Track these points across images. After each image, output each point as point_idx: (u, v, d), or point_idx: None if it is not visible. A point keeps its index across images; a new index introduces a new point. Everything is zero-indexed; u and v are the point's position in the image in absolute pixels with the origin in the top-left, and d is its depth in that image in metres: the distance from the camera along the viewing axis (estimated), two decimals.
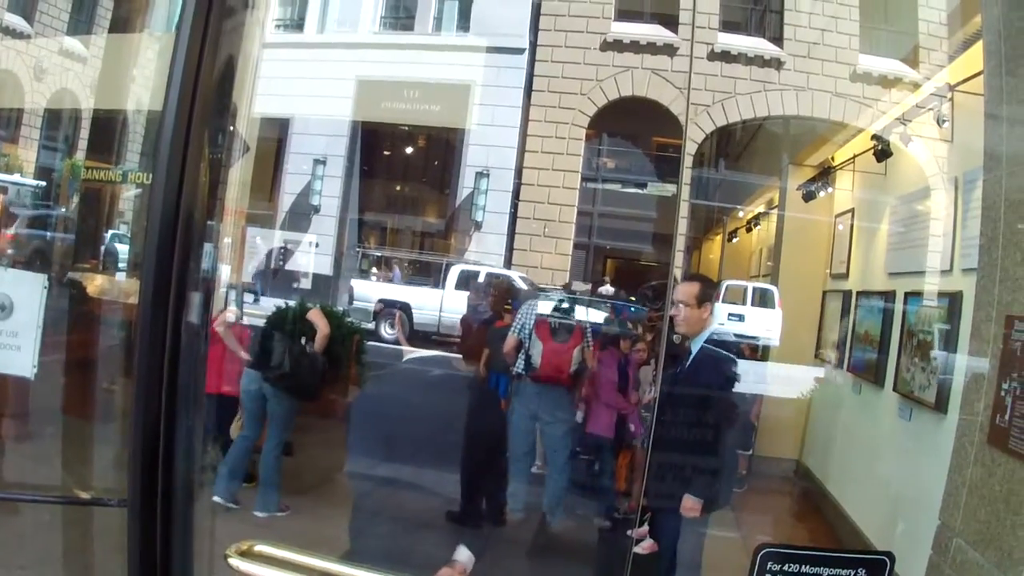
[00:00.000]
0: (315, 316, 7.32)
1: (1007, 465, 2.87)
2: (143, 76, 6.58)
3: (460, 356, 7.78)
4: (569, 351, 7.71)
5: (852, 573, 2.92)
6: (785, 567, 2.89)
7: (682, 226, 12.46)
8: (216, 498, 6.61)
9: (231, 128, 3.89)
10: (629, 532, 6.58)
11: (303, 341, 7.24)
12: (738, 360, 6.06)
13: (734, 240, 14.25)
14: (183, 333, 3.20)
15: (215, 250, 3.72)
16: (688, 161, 12.27)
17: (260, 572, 2.93)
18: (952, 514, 3.27)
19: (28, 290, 3.73)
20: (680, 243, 12.27)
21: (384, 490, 7.25)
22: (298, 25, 14.10)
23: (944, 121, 6.78)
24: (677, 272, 9.35)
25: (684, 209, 12.32)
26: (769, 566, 2.89)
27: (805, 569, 2.90)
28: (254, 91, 4.23)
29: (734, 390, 6.07)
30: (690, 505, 5.62)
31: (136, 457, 3.13)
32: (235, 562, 2.93)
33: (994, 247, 3.20)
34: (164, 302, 3.11)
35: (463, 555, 4.01)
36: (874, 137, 8.37)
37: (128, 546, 3.17)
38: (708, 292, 6.14)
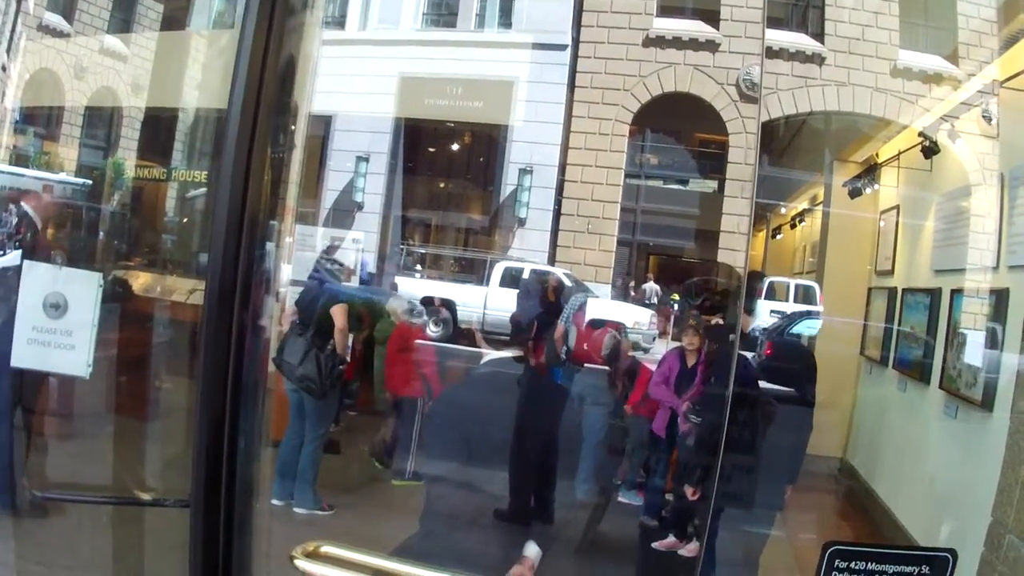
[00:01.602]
0: (335, 311, 7.32)
1: None
2: (199, 74, 6.64)
3: (514, 354, 7.77)
4: (601, 336, 8.00)
5: (916, 570, 2.95)
6: (852, 564, 2.93)
7: (728, 222, 12.49)
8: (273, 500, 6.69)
9: (292, 127, 3.92)
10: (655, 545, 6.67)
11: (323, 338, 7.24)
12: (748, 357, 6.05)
13: (778, 237, 14.21)
14: (248, 333, 3.25)
15: (277, 249, 3.76)
16: (739, 156, 12.30)
17: (328, 573, 2.94)
18: (1005, 511, 3.28)
19: (83, 288, 3.77)
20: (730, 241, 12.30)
21: (436, 489, 7.29)
22: (339, 22, 14.13)
23: (991, 118, 6.76)
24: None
25: (740, 207, 12.35)
26: (837, 563, 2.92)
27: (871, 566, 2.93)
28: (312, 91, 4.26)
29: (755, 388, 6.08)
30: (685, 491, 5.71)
31: (200, 458, 3.18)
32: (302, 564, 2.95)
33: None
34: (229, 302, 3.16)
35: (532, 551, 4.07)
36: (921, 134, 8.34)
37: (190, 547, 3.21)
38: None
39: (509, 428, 7.03)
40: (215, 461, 3.19)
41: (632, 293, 14.03)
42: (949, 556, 2.99)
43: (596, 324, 8.35)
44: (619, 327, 8.32)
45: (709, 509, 5.77)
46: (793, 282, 11.53)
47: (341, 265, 8.76)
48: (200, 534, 3.21)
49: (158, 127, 8.23)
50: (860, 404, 9.19)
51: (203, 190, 7.09)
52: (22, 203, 6.36)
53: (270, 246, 3.54)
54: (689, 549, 6.37)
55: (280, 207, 3.87)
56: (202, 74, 6.61)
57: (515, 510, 7.04)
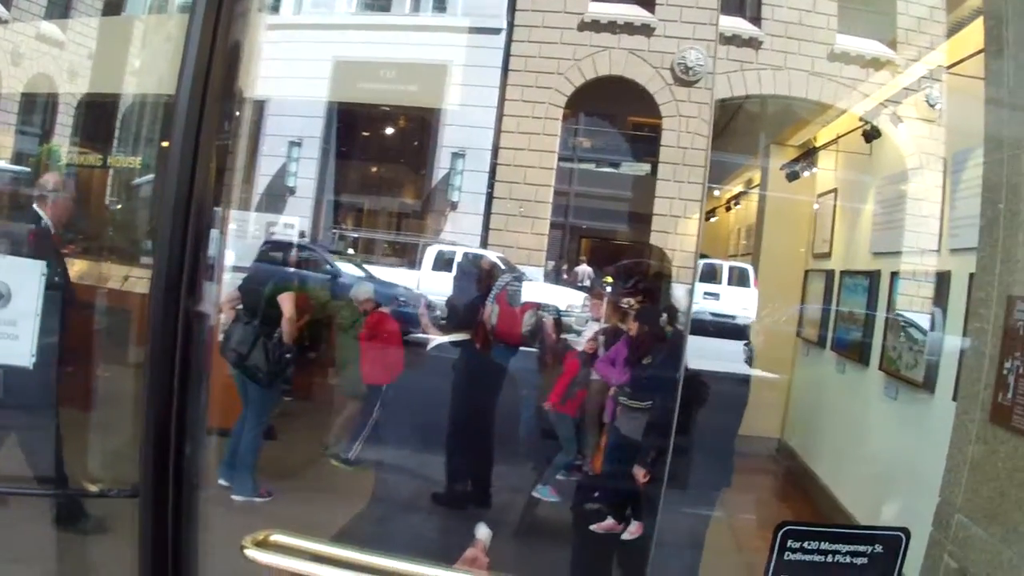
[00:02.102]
0: (283, 299, 7.19)
1: (1011, 442, 2.91)
2: (142, 60, 6.53)
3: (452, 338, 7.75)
4: (521, 314, 7.97)
5: (869, 549, 2.96)
6: (805, 544, 2.93)
7: (661, 205, 12.54)
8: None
9: (238, 113, 3.86)
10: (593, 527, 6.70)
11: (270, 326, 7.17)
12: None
13: (712, 219, 14.30)
14: (195, 320, 3.18)
15: (221, 236, 3.70)
16: (673, 139, 12.36)
17: (278, 562, 2.88)
18: (953, 491, 3.31)
19: (25, 277, 3.67)
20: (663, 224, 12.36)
21: (385, 474, 7.27)
22: (274, 6, 13.98)
23: (935, 103, 6.83)
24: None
25: (673, 190, 12.42)
26: (789, 543, 2.93)
27: (824, 546, 2.94)
28: (257, 76, 4.19)
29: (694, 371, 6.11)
30: (635, 472, 5.81)
31: (147, 447, 3.11)
32: (252, 553, 2.87)
33: (995, 228, 3.23)
34: (176, 289, 3.08)
35: (483, 532, 4.06)
36: (862, 118, 8.41)
37: (139, 538, 3.15)
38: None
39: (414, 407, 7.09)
40: (162, 450, 3.13)
41: (565, 276, 14.07)
42: (902, 535, 3.00)
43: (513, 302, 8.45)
44: (539, 306, 8.35)
45: (661, 490, 5.79)
46: (727, 264, 11.59)
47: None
48: (149, 524, 3.15)
49: (97, 113, 8.10)
50: (797, 385, 9.27)
51: (149, 177, 6.98)
52: None
53: (215, 233, 3.48)
54: (631, 531, 6.38)
55: (224, 194, 3.80)
56: (145, 60, 6.51)
57: (452, 494, 7.05)
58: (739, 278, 11.09)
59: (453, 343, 7.49)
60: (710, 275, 11.18)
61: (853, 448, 7.58)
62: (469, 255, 11.42)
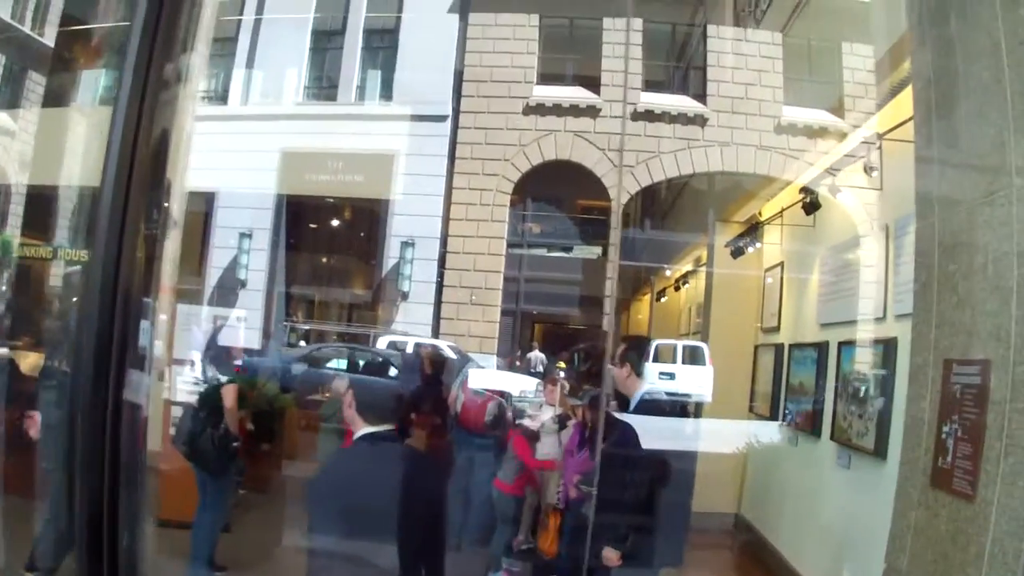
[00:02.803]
0: (225, 392, 7.19)
1: (952, 505, 2.88)
2: (78, 151, 6.52)
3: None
4: (484, 404, 8.12)
5: None
6: None
7: (610, 288, 12.57)
8: None
9: (166, 203, 3.82)
10: None
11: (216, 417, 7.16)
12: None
13: (662, 299, 14.36)
14: (124, 410, 3.13)
15: (152, 327, 3.65)
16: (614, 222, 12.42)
17: None
18: (898, 557, 3.27)
19: None
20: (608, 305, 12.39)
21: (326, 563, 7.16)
22: (222, 97, 14.03)
23: (873, 169, 6.87)
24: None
25: (612, 271, 12.47)
26: None
27: None
28: (187, 165, 4.18)
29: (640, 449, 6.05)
30: (608, 555, 5.64)
31: (81, 538, 3.07)
32: None
33: (928, 292, 3.22)
34: (104, 378, 3.03)
35: None
36: (802, 190, 8.47)
37: None
38: (628, 353, 6.17)
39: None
40: (96, 541, 3.07)
41: (518, 363, 14.03)
42: None
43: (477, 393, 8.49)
44: (501, 395, 8.40)
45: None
46: (680, 343, 11.58)
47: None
48: None
49: (43, 204, 8.06)
50: (752, 459, 9.24)
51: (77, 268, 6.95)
52: None
53: (145, 324, 3.44)
54: None
55: (155, 284, 3.76)
56: (79, 150, 6.50)
57: None
58: (693, 356, 11.08)
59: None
60: (664, 355, 11.16)
61: (808, 518, 7.55)
62: (418, 345, 11.39)
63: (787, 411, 8.40)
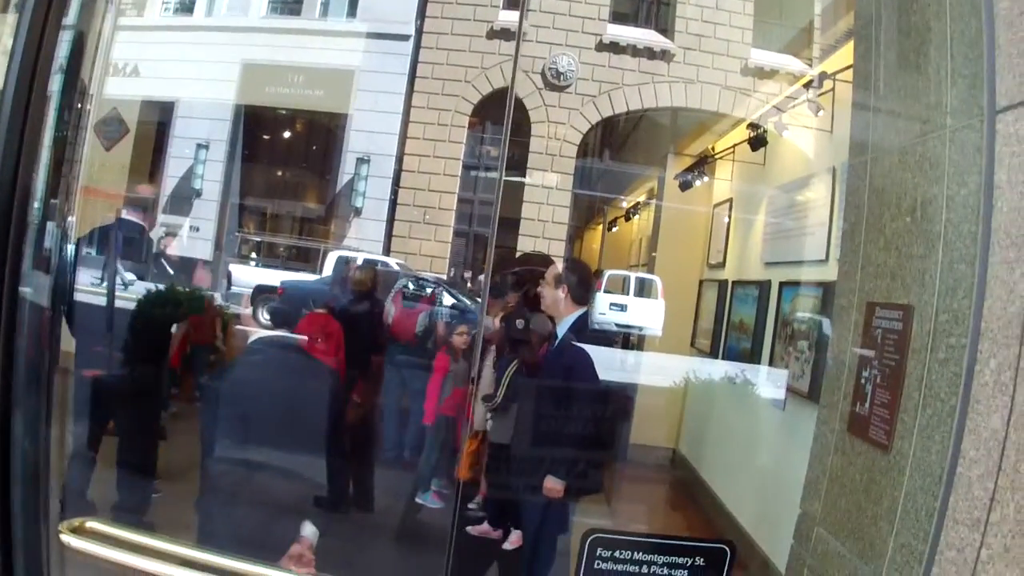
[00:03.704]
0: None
1: (867, 454, 2.84)
2: None
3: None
4: (415, 314, 8.29)
5: (689, 561, 2.89)
6: (616, 553, 2.86)
7: (564, 216, 12.53)
8: None
9: (79, 105, 3.76)
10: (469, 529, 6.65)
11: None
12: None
13: (613, 230, 14.37)
14: (20, 311, 3.08)
15: (58, 229, 3.59)
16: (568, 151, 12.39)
17: (91, 549, 2.86)
18: (813, 503, 3.25)
19: None
20: (561, 232, 12.36)
21: (247, 474, 7.12)
22: (188, 8, 13.84)
23: (820, 110, 6.82)
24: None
25: (560, 198, 12.43)
26: (599, 552, 2.85)
27: (638, 555, 2.87)
28: (107, 69, 4.09)
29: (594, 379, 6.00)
30: (550, 485, 5.62)
31: None
32: (67, 538, 2.87)
33: (856, 233, 3.18)
34: None
35: (308, 530, 4.05)
36: (750, 125, 8.43)
37: None
38: (567, 274, 6.10)
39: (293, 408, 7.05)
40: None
41: (469, 284, 14.01)
42: (726, 548, 2.95)
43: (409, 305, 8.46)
44: (431, 307, 8.38)
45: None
46: (633, 275, 11.56)
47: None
48: None
49: None
50: (690, 395, 9.27)
51: None
52: None
53: (51, 225, 3.42)
54: (511, 541, 6.35)
55: (65, 185, 3.69)
56: None
57: (334, 497, 6.97)
58: (647, 290, 11.06)
59: None
60: (616, 286, 11.13)
61: (744, 459, 7.58)
62: (344, 259, 11.37)
63: (727, 347, 8.44)
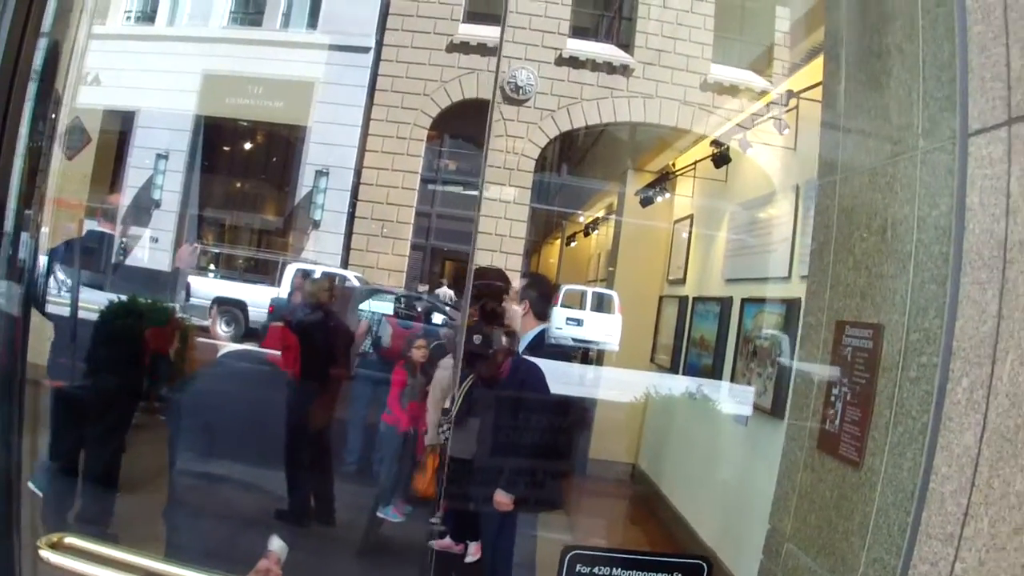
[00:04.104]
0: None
1: (837, 471, 2.88)
2: None
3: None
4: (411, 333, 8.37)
5: None
6: (595, 570, 2.87)
7: (521, 230, 12.57)
8: None
9: (53, 115, 3.75)
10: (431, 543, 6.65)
11: None
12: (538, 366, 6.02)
13: (572, 244, 14.44)
14: None
15: (32, 240, 3.59)
16: (526, 165, 12.42)
17: (70, 564, 2.85)
18: (782, 519, 3.28)
19: None
20: (518, 246, 12.39)
21: (212, 487, 7.10)
22: (150, 17, 13.80)
23: (785, 128, 6.88)
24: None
25: (520, 212, 12.47)
26: (578, 568, 2.87)
27: (616, 571, 2.89)
28: (79, 80, 4.09)
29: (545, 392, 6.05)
30: (500, 499, 5.70)
31: None
32: (45, 554, 2.86)
33: (826, 252, 3.22)
34: None
35: (276, 544, 4.04)
36: (713, 142, 8.49)
37: None
38: (527, 290, 6.16)
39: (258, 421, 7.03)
40: None
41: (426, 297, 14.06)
42: (703, 564, 2.98)
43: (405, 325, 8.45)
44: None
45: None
46: (590, 290, 11.61)
47: None
48: None
49: None
50: (650, 410, 9.31)
51: None
52: None
53: (24, 235, 3.41)
54: (471, 553, 6.38)
55: (38, 196, 3.68)
56: None
57: (293, 510, 6.96)
58: (602, 304, 11.10)
59: None
60: (572, 301, 11.17)
61: (705, 475, 7.62)
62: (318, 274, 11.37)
63: (687, 363, 8.49)
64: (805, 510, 3.09)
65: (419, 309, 10.42)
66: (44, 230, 4.38)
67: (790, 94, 6.82)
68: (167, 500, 6.38)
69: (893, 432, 2.55)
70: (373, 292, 10.94)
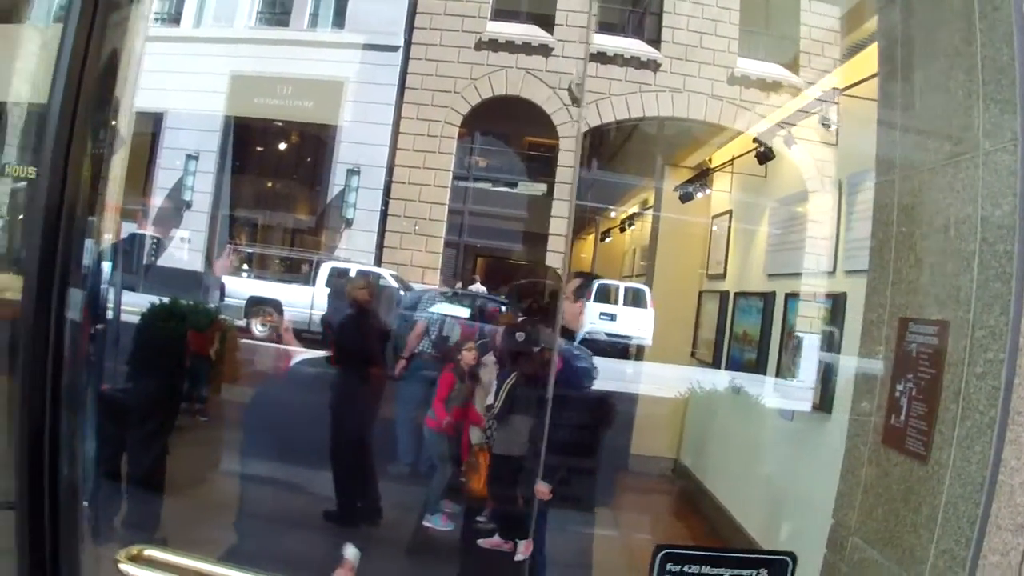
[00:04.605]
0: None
1: (904, 465, 2.90)
2: (25, 68, 6.35)
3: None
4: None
5: (754, 573, 2.93)
6: (685, 568, 2.89)
7: (557, 225, 12.60)
8: None
9: (113, 122, 3.79)
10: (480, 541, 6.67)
11: None
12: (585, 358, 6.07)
13: (607, 240, 14.39)
14: (67, 331, 3.11)
15: (96, 246, 3.63)
16: (569, 160, 12.40)
17: None
18: (847, 513, 3.30)
19: None
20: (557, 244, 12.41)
21: (264, 490, 7.14)
22: (175, 19, 13.81)
23: (830, 125, 6.89)
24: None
25: (567, 210, 12.48)
26: (669, 567, 2.89)
27: (706, 570, 2.90)
28: (136, 85, 4.13)
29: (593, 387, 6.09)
30: (540, 488, 5.71)
31: (22, 459, 3.03)
32: (125, 567, 2.79)
33: (886, 250, 3.24)
34: (47, 300, 3.03)
35: (350, 552, 4.10)
36: (756, 139, 8.48)
37: (17, 549, 3.06)
38: (583, 290, 6.19)
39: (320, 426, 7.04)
40: (37, 463, 3.06)
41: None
42: (788, 559, 2.99)
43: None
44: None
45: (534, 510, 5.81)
46: (623, 285, 11.61)
47: None
48: (26, 538, 3.07)
49: None
50: (692, 405, 9.30)
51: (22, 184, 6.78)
52: None
53: (89, 242, 3.44)
54: (521, 551, 6.41)
55: (100, 203, 3.73)
56: (25, 67, 6.35)
57: (343, 511, 6.97)
58: (635, 299, 11.11)
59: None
60: (605, 295, 11.17)
61: (749, 469, 7.60)
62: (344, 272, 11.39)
63: (730, 358, 8.48)
64: (871, 504, 3.12)
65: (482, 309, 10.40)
66: (106, 236, 4.43)
67: (837, 91, 6.82)
68: (238, 509, 6.42)
69: (960, 426, 2.59)
70: (448, 295, 10.95)
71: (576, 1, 12.75)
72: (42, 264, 3.00)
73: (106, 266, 5.18)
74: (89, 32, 3.10)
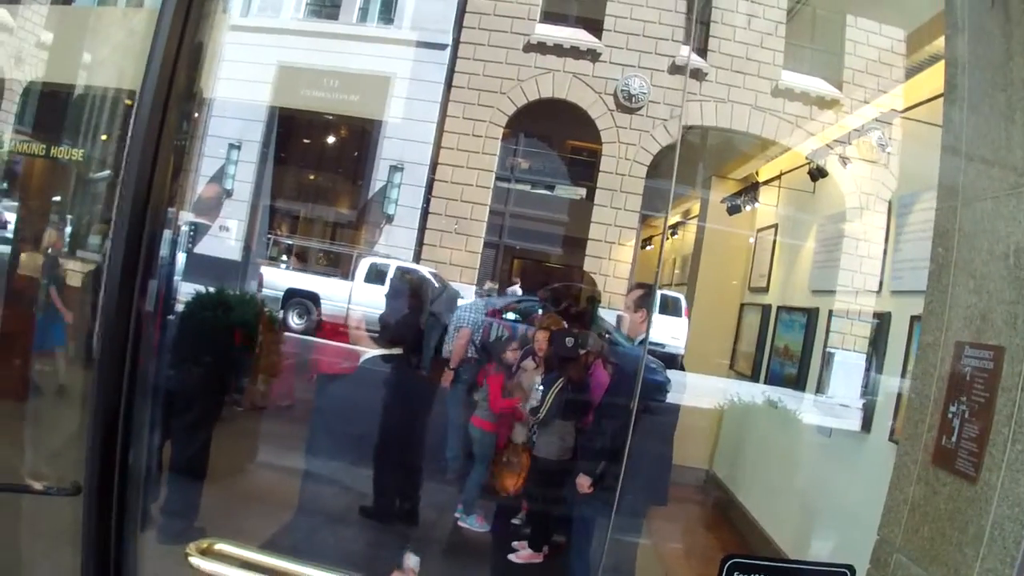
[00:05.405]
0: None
1: (953, 485, 2.95)
2: (100, 53, 6.42)
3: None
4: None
5: None
6: None
7: (597, 231, 12.61)
8: None
9: (196, 114, 3.83)
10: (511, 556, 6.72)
11: None
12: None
13: (648, 248, 14.38)
14: (145, 322, 3.17)
15: (173, 237, 3.68)
16: (611, 165, 12.42)
17: (222, 571, 2.89)
18: (892, 530, 3.34)
19: None
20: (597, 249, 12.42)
21: (325, 487, 7.20)
22: (223, 8, 13.89)
23: (886, 145, 6.92)
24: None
25: (609, 216, 12.50)
26: None
27: None
28: (217, 79, 4.18)
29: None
30: (581, 482, 5.84)
31: (95, 446, 3.08)
32: (196, 561, 2.88)
33: (944, 274, 3.27)
34: (129, 290, 3.07)
35: (412, 561, 4.14)
36: (808, 157, 8.50)
37: (83, 537, 3.12)
38: (644, 300, 6.25)
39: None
40: (109, 450, 3.10)
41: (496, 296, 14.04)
42: (847, 572, 3.03)
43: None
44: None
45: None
46: (659, 292, 11.64)
47: None
48: (92, 525, 3.12)
49: (44, 103, 7.91)
50: (728, 417, 9.31)
51: (105, 173, 6.85)
52: None
53: (168, 233, 3.50)
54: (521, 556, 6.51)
55: (180, 195, 3.79)
56: (105, 53, 6.39)
57: (380, 509, 7.02)
58: (671, 307, 11.13)
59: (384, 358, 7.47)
60: None
61: (784, 483, 7.61)
62: (403, 270, 11.38)
63: (770, 371, 8.49)
64: (917, 522, 3.16)
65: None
66: (183, 228, 4.50)
67: (895, 113, 6.86)
68: (296, 508, 6.49)
69: (1011, 449, 2.64)
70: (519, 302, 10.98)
71: (625, 7, 12.75)
72: (127, 255, 3.04)
73: (180, 257, 5.26)
74: (184, 23, 3.14)
